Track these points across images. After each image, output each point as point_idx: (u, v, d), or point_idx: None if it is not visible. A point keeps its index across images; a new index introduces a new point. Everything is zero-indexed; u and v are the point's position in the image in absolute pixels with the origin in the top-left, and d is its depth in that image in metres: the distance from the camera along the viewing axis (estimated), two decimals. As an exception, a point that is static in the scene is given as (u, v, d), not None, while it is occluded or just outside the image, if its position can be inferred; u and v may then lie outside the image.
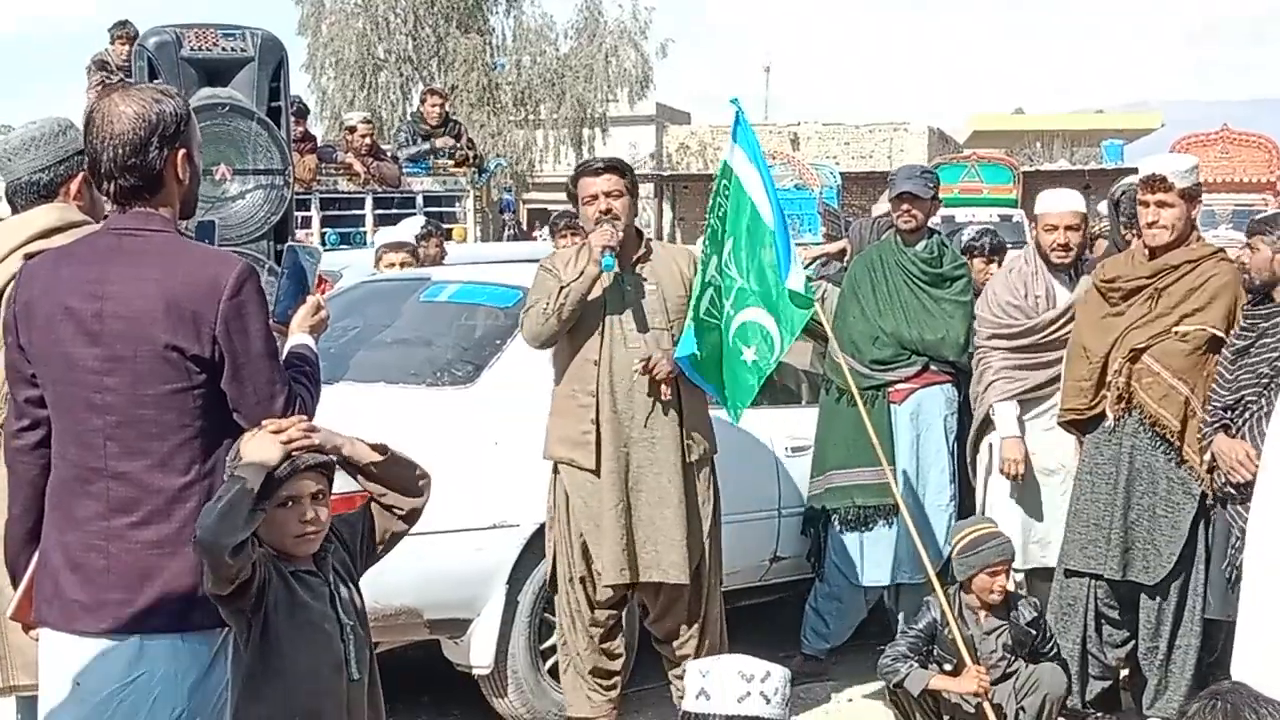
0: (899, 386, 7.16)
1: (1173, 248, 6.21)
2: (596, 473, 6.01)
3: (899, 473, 7.05)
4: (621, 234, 5.99)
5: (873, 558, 7.20)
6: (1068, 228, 6.91)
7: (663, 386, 6.01)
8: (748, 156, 6.39)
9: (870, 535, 7.19)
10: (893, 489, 6.78)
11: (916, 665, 6.11)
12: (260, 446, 3.44)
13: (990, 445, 7.05)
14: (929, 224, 7.37)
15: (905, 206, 7.23)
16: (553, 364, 6.21)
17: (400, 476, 3.80)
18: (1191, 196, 6.19)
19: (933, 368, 7.17)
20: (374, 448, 3.73)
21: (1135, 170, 6.62)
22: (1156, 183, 6.21)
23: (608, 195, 6.07)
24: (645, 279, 6.13)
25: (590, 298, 5.96)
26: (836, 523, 7.21)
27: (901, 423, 7.16)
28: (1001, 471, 6.88)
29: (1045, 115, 43.67)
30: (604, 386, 6.00)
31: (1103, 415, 6.28)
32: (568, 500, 6.09)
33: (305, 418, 3.60)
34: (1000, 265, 8.31)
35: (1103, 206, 10.73)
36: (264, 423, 3.50)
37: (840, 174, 28.70)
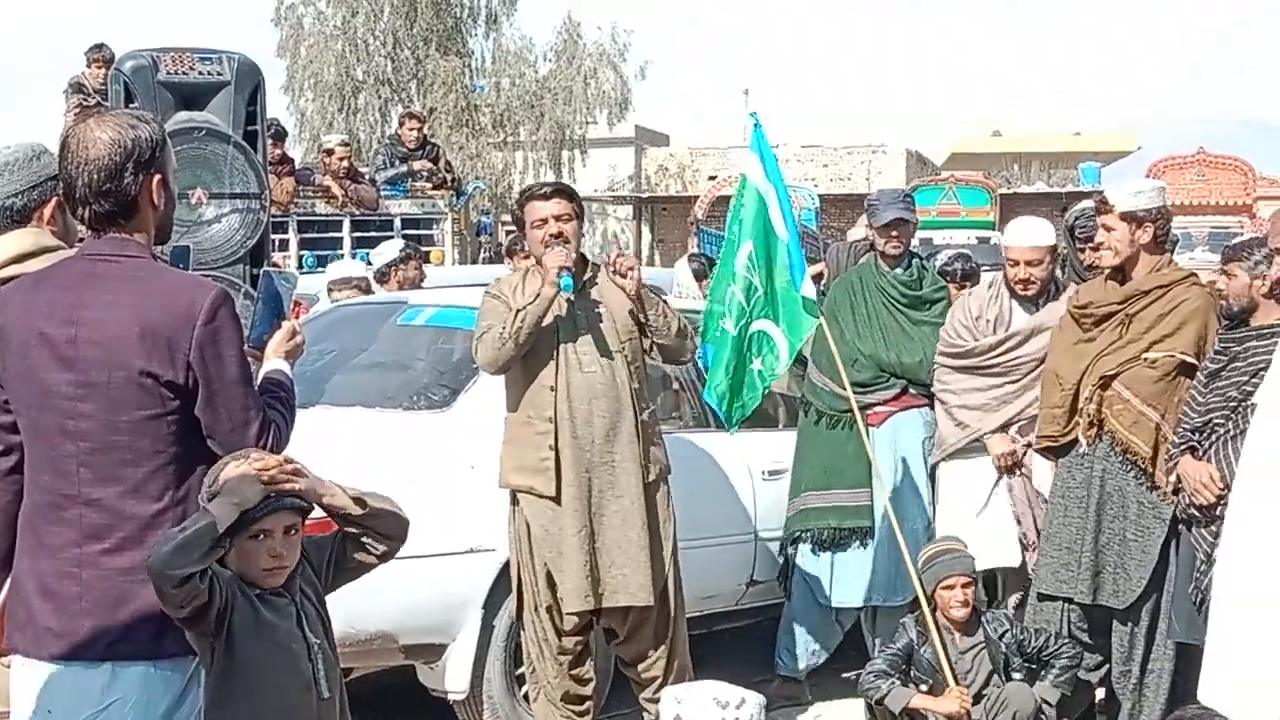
0: (877, 409, 7.19)
1: (1123, 270, 6.25)
2: (557, 500, 5.96)
3: (876, 495, 7.08)
4: (573, 255, 6.00)
5: (843, 579, 7.21)
6: (1028, 263, 6.86)
7: (629, 277, 5.98)
8: (764, 168, 6.60)
9: (842, 557, 7.22)
10: (872, 511, 6.88)
11: (897, 683, 6.14)
12: (240, 484, 3.44)
13: (936, 471, 7.14)
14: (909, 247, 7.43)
15: (894, 233, 7.26)
16: (506, 391, 6.17)
17: (381, 524, 3.79)
18: (1138, 219, 6.19)
19: (911, 391, 7.21)
20: (355, 500, 3.71)
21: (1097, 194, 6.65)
22: (1100, 205, 6.28)
23: (557, 219, 6.05)
24: (597, 302, 6.11)
25: (545, 321, 5.93)
26: (810, 543, 7.23)
27: (880, 445, 7.16)
28: (1000, 468, 6.89)
29: (1023, 137, 43.77)
30: (562, 413, 5.96)
31: (1077, 440, 6.30)
32: (528, 529, 6.05)
33: (290, 457, 3.60)
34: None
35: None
36: (251, 454, 3.50)
37: (819, 196, 28.75)
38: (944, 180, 31.05)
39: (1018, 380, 6.82)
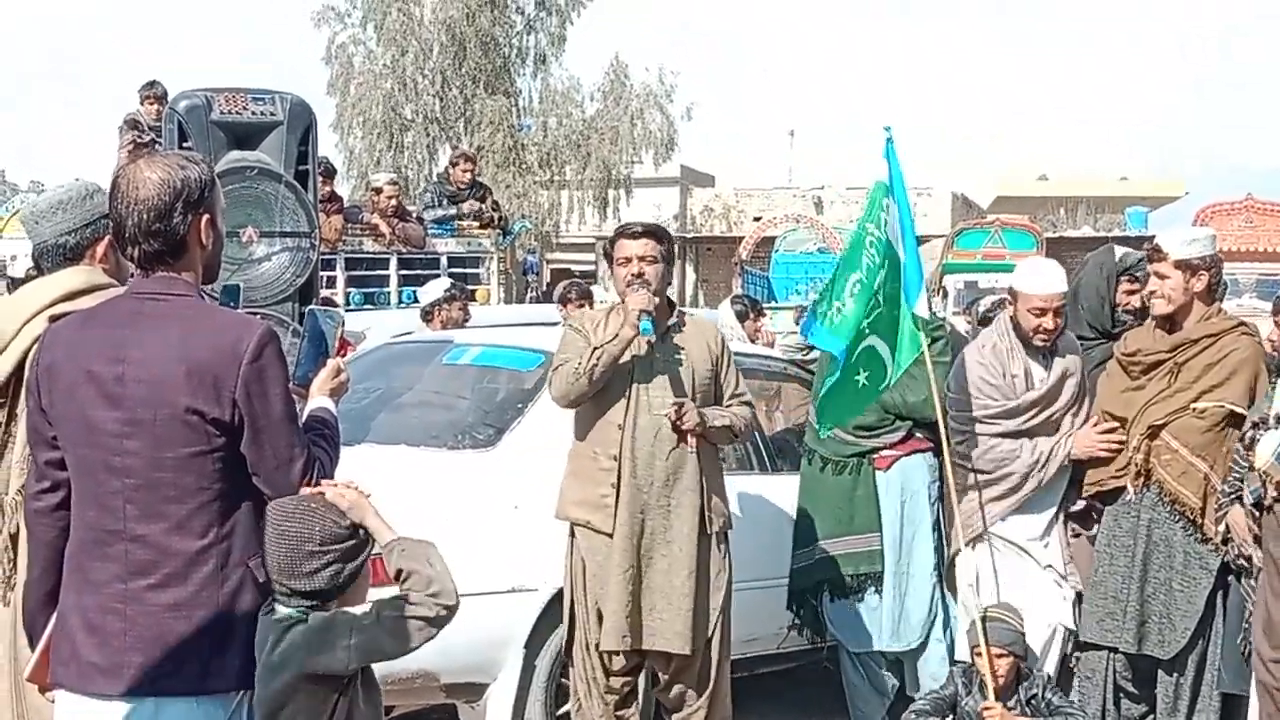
0: (884, 453, 7.13)
1: (1175, 318, 6.21)
2: (612, 536, 5.98)
3: (886, 540, 7.06)
4: (656, 299, 5.99)
5: (869, 624, 7.16)
6: (1055, 311, 6.55)
7: (688, 438, 5.97)
8: (890, 184, 6.71)
9: (860, 603, 7.17)
10: (883, 556, 6.98)
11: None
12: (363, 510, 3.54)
13: (974, 565, 6.77)
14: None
15: None
16: (574, 424, 6.19)
17: None
18: (1193, 268, 6.16)
19: (917, 435, 7.11)
20: None
21: (1151, 238, 6.61)
22: (1153, 252, 6.25)
23: (641, 259, 6.06)
24: (679, 347, 6.11)
25: (622, 361, 5.94)
26: (829, 592, 7.21)
27: (887, 490, 7.13)
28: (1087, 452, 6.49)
29: (1069, 181, 43.68)
30: (626, 452, 5.97)
31: (1123, 488, 6.26)
32: (584, 564, 6.07)
33: (354, 483, 3.63)
34: None
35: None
36: (332, 486, 3.56)
37: (863, 238, 28.75)
38: (989, 223, 30.97)
39: (1052, 436, 6.63)
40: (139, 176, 3.55)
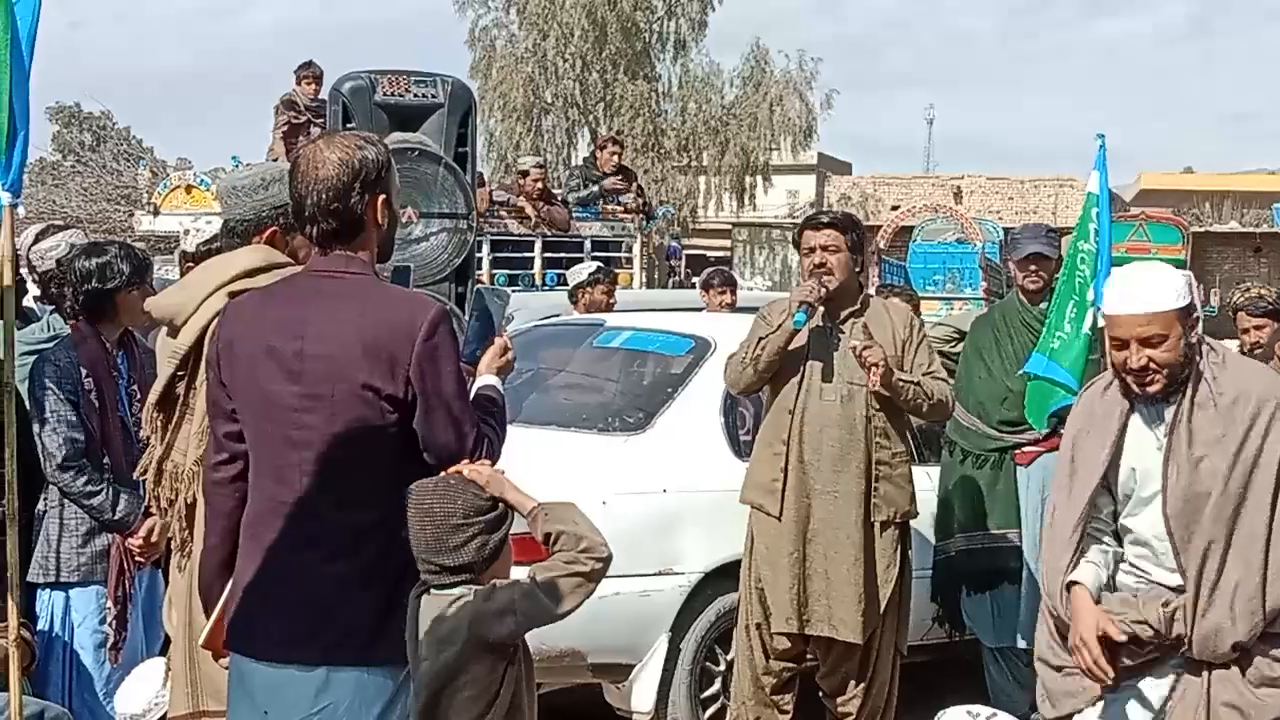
0: (1026, 449, 7.06)
1: None
2: (780, 520, 6.05)
3: (1025, 537, 6.99)
4: (824, 291, 6.03)
5: (1007, 620, 7.13)
6: (1142, 340, 4.23)
7: (871, 373, 5.92)
8: (1099, 193, 6.75)
9: (997, 598, 7.14)
10: (1020, 552, 6.92)
11: None
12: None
13: None
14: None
15: (1033, 268, 7.13)
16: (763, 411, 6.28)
17: None
18: None
19: (1061, 431, 7.00)
20: None
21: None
22: None
23: (825, 249, 6.09)
24: (852, 335, 6.12)
25: (791, 348, 6.01)
26: (966, 586, 7.18)
27: (1028, 486, 7.05)
28: None
29: (1215, 175, 42.87)
30: (794, 436, 6.04)
31: None
32: (753, 545, 6.14)
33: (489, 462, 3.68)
34: None
35: None
36: (476, 470, 3.60)
37: (1003, 229, 28.48)
38: (1134, 217, 30.50)
39: None
40: (319, 157, 3.62)
